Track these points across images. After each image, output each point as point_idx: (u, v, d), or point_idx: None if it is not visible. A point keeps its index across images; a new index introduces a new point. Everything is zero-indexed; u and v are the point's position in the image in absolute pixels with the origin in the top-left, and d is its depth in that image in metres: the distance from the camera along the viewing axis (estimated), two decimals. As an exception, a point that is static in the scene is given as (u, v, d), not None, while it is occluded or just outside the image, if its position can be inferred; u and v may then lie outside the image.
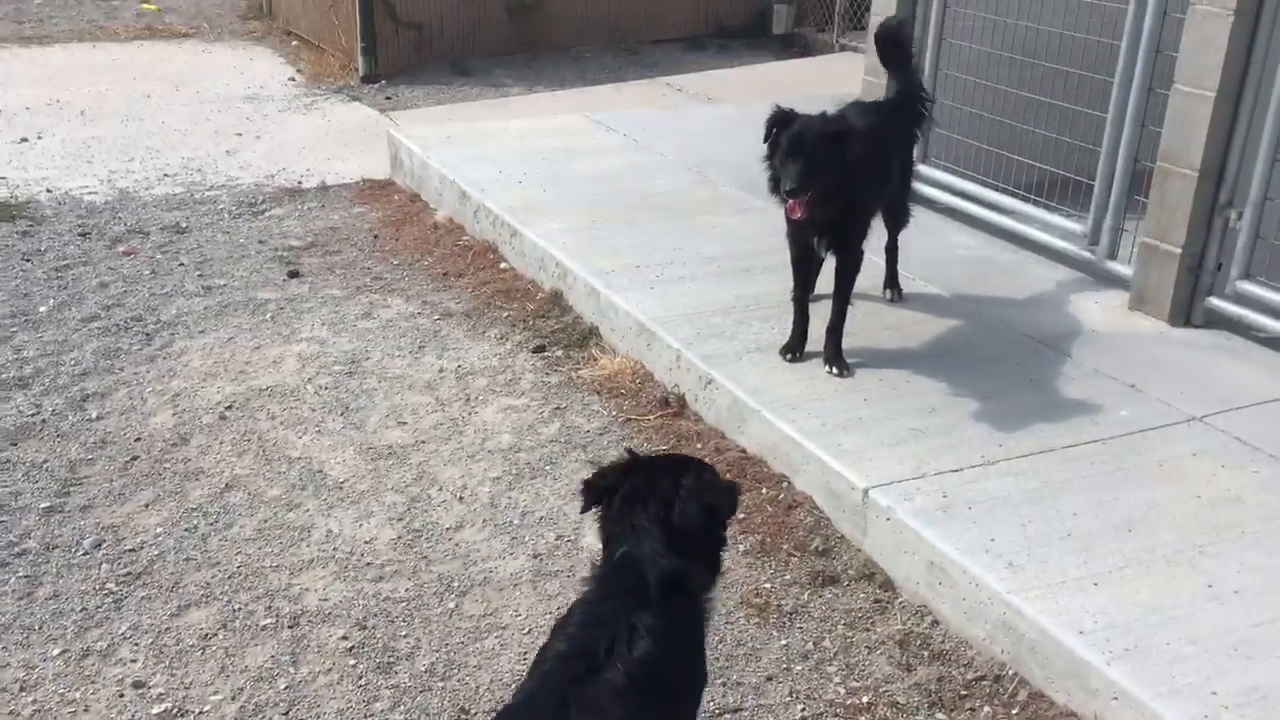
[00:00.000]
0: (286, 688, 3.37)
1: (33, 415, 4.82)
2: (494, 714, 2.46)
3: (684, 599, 2.54)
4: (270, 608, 3.71)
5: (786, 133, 4.37)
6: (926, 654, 3.49)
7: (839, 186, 4.39)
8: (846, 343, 4.77)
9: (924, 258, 5.78)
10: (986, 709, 3.26)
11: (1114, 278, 5.58)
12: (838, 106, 4.93)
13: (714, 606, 2.74)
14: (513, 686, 3.32)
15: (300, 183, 7.92)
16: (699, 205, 6.60)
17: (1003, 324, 5.18)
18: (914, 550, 3.69)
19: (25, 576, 3.84)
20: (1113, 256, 5.60)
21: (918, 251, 5.73)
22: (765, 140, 4.50)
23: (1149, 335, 5.14)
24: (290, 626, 3.62)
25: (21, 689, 3.36)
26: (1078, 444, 4.17)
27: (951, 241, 6.19)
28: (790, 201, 4.34)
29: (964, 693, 3.33)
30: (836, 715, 3.26)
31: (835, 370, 4.69)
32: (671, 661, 2.44)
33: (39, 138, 8.67)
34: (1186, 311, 5.21)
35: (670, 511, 2.58)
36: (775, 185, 4.53)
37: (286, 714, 3.27)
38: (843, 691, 3.36)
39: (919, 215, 5.96)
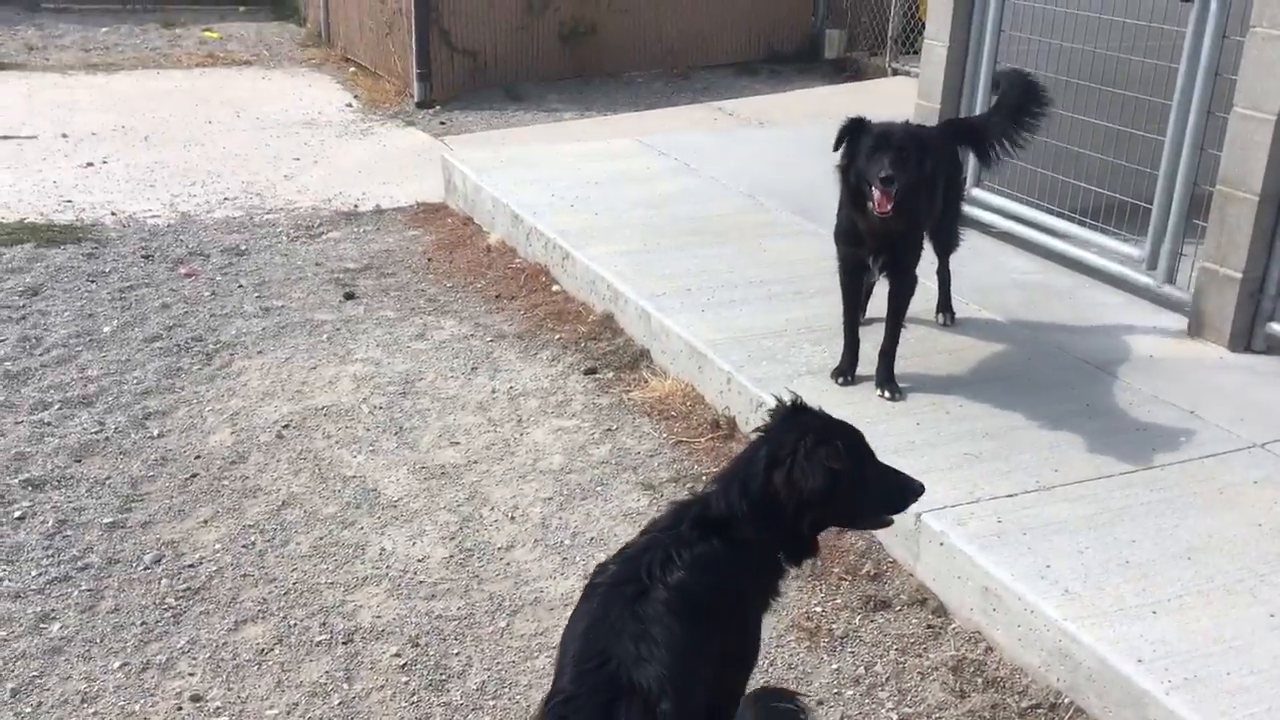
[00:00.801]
0: (340, 703, 3.41)
1: (96, 432, 4.92)
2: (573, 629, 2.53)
3: (731, 547, 2.54)
4: (325, 624, 3.75)
5: (869, 134, 4.36)
6: (980, 681, 3.45)
7: (916, 192, 4.39)
8: (898, 367, 4.75)
9: (978, 282, 5.75)
10: (1042, 738, 3.22)
11: (1172, 302, 5.51)
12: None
13: (780, 580, 2.70)
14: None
15: (356, 207, 8.05)
16: (751, 229, 6.62)
17: (1058, 349, 5.13)
18: (967, 576, 3.66)
19: (88, 590, 3.92)
20: (1171, 281, 5.53)
21: (971, 276, 5.70)
22: (837, 147, 4.47)
23: (1208, 361, 5.07)
24: (345, 643, 3.66)
25: (83, 700, 3.43)
26: (1136, 470, 4.12)
27: (1006, 266, 6.15)
28: (879, 194, 4.29)
29: (1019, 721, 3.29)
30: (889, 741, 3.24)
31: (887, 394, 4.67)
32: (708, 605, 2.48)
33: (104, 162, 8.89)
34: (1247, 337, 5.14)
35: (778, 466, 2.57)
36: (853, 194, 4.51)
37: (340, 729, 3.31)
38: (895, 717, 3.33)
39: (973, 240, 5.94)
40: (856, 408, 4.58)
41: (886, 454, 4.15)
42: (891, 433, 4.38)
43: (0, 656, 3.59)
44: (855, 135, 4.44)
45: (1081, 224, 6.03)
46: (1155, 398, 4.67)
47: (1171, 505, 3.91)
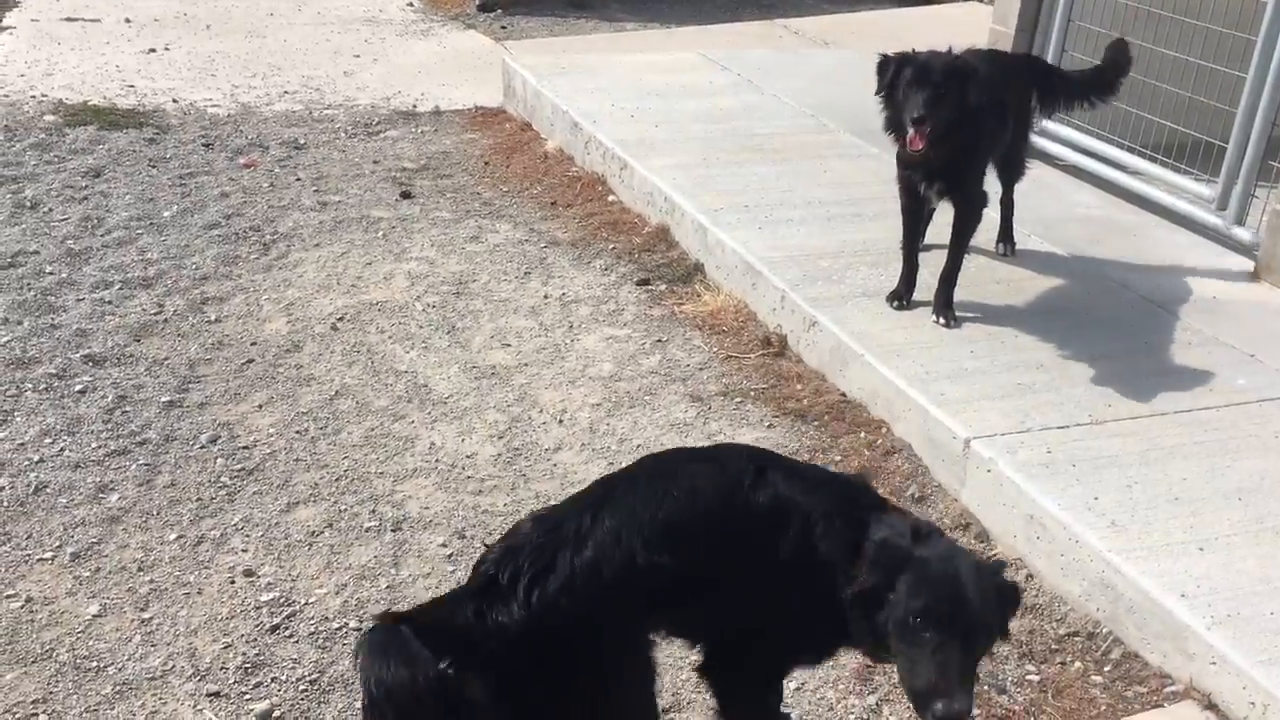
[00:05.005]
0: (388, 587, 3.49)
1: (155, 314, 5.00)
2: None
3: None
4: (375, 511, 3.83)
5: (910, 65, 4.28)
6: (1019, 607, 3.46)
7: (959, 125, 4.31)
8: (954, 295, 4.70)
9: (1041, 215, 5.65)
10: (1078, 664, 3.24)
11: (1240, 245, 5.39)
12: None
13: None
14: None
15: (415, 106, 8.01)
16: (811, 148, 6.53)
17: (1120, 285, 5.05)
18: (1013, 503, 3.65)
19: (145, 464, 4.01)
20: (1240, 223, 5.41)
21: (1035, 208, 5.60)
22: (880, 81, 4.41)
23: (1273, 305, 4.97)
24: (393, 530, 3.73)
25: (139, 569, 3.53)
26: (1191, 410, 4.07)
27: (1071, 200, 6.03)
28: (912, 132, 4.24)
29: (1055, 647, 3.31)
30: (924, 658, 3.26)
31: (943, 320, 4.63)
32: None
33: (166, 49, 8.90)
34: (1315, 284, 5.03)
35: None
36: (891, 124, 4.45)
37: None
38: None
39: (1039, 171, 5.83)
40: (911, 333, 4.56)
41: (940, 380, 4.18)
42: (945, 359, 4.35)
43: (61, 522, 3.70)
44: (898, 68, 4.33)
45: (1152, 160, 5.89)
46: (1216, 339, 4.60)
47: (1225, 446, 3.87)
